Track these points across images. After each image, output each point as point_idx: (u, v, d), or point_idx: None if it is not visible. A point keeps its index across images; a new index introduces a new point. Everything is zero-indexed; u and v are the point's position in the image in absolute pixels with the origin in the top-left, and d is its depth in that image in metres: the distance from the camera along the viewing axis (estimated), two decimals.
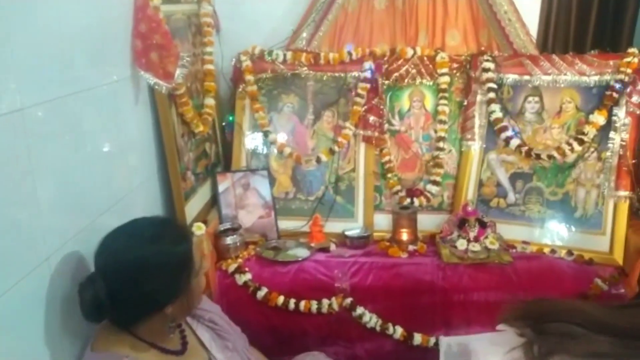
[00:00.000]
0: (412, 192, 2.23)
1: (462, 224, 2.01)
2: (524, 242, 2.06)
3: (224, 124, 2.36)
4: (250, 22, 2.41)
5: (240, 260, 1.98)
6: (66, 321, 1.18)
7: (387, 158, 2.23)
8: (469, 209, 2.00)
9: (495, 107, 2.12)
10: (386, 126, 2.23)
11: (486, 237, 1.97)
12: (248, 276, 1.92)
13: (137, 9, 1.53)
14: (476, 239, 1.97)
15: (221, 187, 2.17)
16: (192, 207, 1.95)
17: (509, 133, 2.10)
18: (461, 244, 1.96)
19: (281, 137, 2.26)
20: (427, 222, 2.20)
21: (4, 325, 0.97)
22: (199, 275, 1.24)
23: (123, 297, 1.08)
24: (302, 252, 2.03)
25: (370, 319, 1.88)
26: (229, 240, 2.00)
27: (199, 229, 1.87)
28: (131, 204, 1.56)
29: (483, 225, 2.00)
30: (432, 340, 1.86)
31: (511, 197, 2.13)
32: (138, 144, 1.66)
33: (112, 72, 1.47)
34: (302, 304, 1.88)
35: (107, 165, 1.43)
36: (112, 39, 1.47)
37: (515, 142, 2.09)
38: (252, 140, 2.28)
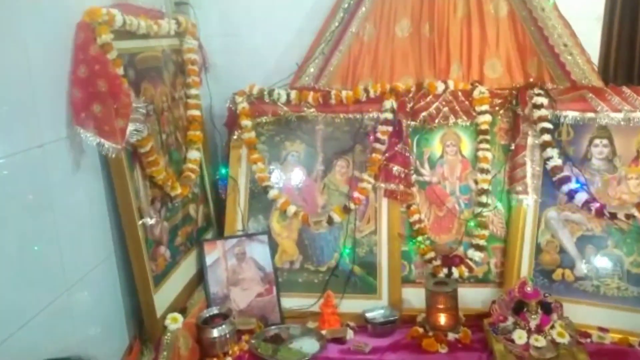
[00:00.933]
0: (449, 260, 1.83)
1: (519, 308, 1.53)
2: (601, 329, 1.61)
3: (216, 177, 1.98)
4: (247, 56, 2.07)
5: (229, 359, 1.54)
6: None
7: (416, 217, 1.85)
8: (528, 289, 1.53)
9: (553, 152, 1.76)
10: (414, 177, 1.86)
11: (552, 327, 1.50)
12: None
13: (77, 48, 1.17)
14: (539, 330, 1.50)
15: (209, 259, 1.78)
16: (167, 292, 1.55)
17: (573, 185, 1.71)
18: (519, 337, 1.49)
19: (285, 194, 1.90)
20: (471, 298, 1.80)
21: None
22: None
23: None
24: (310, 346, 1.61)
25: None
26: (215, 332, 1.58)
27: (173, 322, 1.46)
28: (80, 298, 1.17)
29: (547, 310, 1.52)
30: None
31: (580, 267, 1.69)
32: (86, 219, 1.27)
33: (43, 132, 1.10)
34: None
35: (45, 248, 1.05)
36: (41, 90, 1.10)
37: (581, 197, 1.70)
38: (249, 198, 1.91)
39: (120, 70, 1.27)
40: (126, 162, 1.33)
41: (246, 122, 1.90)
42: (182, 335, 1.47)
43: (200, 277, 1.77)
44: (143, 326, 1.45)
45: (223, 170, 1.97)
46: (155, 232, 1.51)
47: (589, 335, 1.59)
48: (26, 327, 1.02)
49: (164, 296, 1.51)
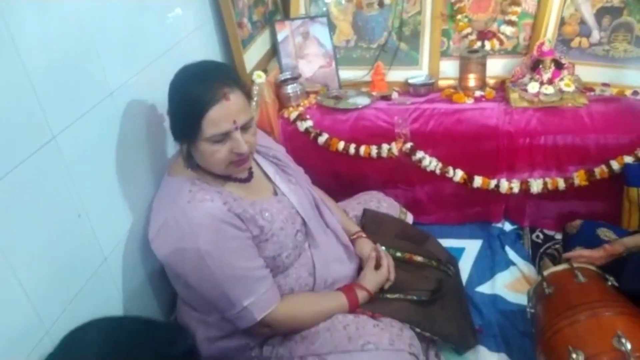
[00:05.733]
0: (483, 35, 2.06)
1: (536, 65, 1.86)
2: (604, 85, 1.90)
3: None
4: None
5: (301, 108, 2.01)
6: None
7: None
8: (545, 48, 1.84)
9: None
10: None
11: (561, 79, 1.83)
12: (309, 123, 1.96)
13: None
14: (550, 81, 1.83)
15: (280, 36, 2.13)
16: (251, 56, 1.94)
17: None
18: (532, 87, 1.84)
19: None
20: (499, 67, 2.07)
21: None
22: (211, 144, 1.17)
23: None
24: (362, 100, 2.02)
25: (430, 163, 1.89)
26: (289, 89, 2.01)
27: (259, 77, 1.89)
28: (187, 48, 1.58)
29: (559, 66, 1.85)
30: (493, 182, 1.86)
31: (595, 35, 1.92)
32: None
33: None
34: (362, 148, 1.92)
35: (158, 9, 1.44)
36: None
37: None
38: None
39: None
40: None
41: None
42: (266, 88, 1.92)
43: (273, 51, 2.17)
44: None
45: None
46: (239, 6, 1.87)
47: (592, 90, 1.89)
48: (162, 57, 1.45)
49: (249, 58, 1.91)
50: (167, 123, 1.40)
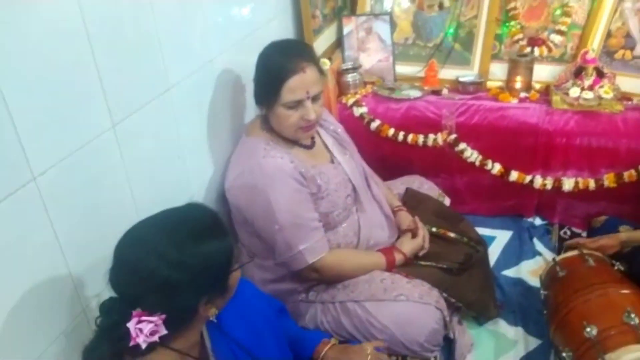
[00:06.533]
0: (534, 41, 2.20)
1: (579, 72, 2.01)
2: None
3: None
4: None
5: (358, 95, 2.23)
6: None
7: (512, 4, 2.19)
8: (588, 56, 1.98)
9: None
10: None
11: (601, 87, 1.97)
12: (364, 109, 2.18)
13: None
14: (590, 88, 1.98)
15: (346, 30, 2.35)
16: (320, 45, 2.18)
17: None
18: (574, 92, 1.99)
19: None
20: (546, 72, 2.21)
21: None
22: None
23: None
24: (415, 93, 2.21)
25: (472, 154, 2.07)
26: (349, 77, 2.24)
27: (324, 64, 2.12)
28: (266, 34, 1.83)
29: (601, 74, 1.99)
30: (528, 178, 2.02)
31: (639, 49, 2.05)
32: None
33: None
34: (410, 136, 2.12)
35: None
36: None
37: None
38: None
39: None
40: None
41: None
42: (329, 74, 2.14)
43: (338, 43, 2.39)
44: None
45: None
46: None
47: (630, 99, 2.02)
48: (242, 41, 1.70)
49: (317, 46, 2.14)
50: (247, 93, 1.66)
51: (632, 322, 1.29)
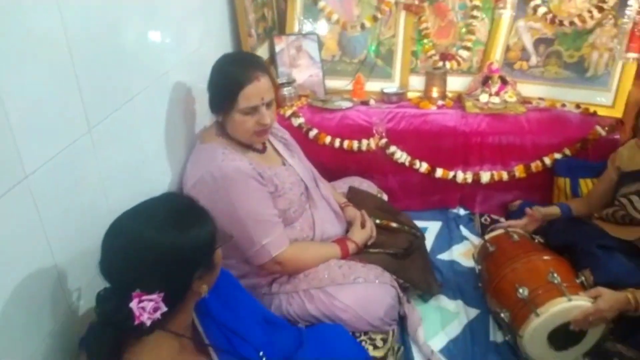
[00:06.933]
0: (445, 57, 2.52)
1: (485, 80, 2.32)
2: (540, 99, 2.38)
3: None
4: None
5: (295, 107, 2.38)
6: None
7: (424, 25, 2.49)
8: (493, 67, 2.30)
9: None
10: None
11: (506, 92, 2.30)
12: (302, 120, 2.33)
13: None
14: (497, 93, 2.29)
15: (277, 48, 2.51)
16: None
17: (538, 1, 2.33)
18: (483, 97, 2.29)
19: (330, 5, 2.53)
20: (457, 83, 2.52)
21: None
22: None
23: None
24: (346, 103, 2.41)
25: (401, 156, 2.29)
26: (285, 91, 2.39)
27: None
28: (208, 51, 1.92)
29: (504, 82, 2.31)
30: (451, 174, 2.28)
31: (533, 60, 2.41)
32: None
33: None
34: (346, 142, 2.30)
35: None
36: None
37: (542, 10, 2.33)
38: (303, 8, 2.57)
39: None
40: None
41: None
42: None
43: (271, 60, 2.54)
44: None
45: None
46: (249, 18, 2.25)
47: (530, 102, 2.36)
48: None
49: None
50: (197, 103, 1.75)
51: (556, 281, 1.53)
